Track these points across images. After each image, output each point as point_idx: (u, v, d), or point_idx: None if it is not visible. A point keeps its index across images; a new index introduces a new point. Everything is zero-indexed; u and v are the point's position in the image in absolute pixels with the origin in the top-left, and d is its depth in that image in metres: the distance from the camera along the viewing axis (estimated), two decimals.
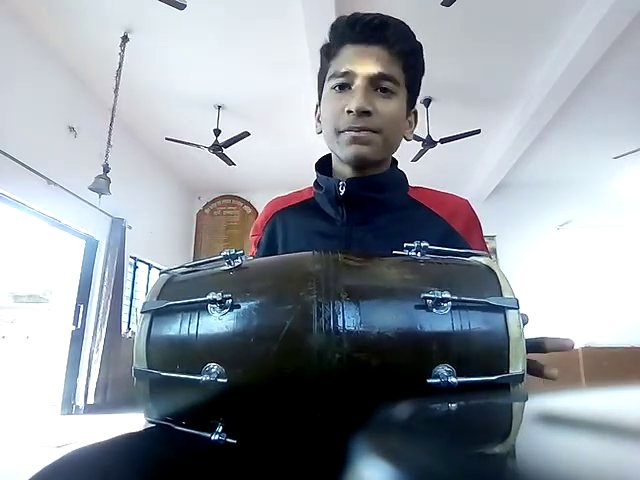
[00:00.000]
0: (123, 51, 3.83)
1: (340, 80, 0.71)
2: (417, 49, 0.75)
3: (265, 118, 4.85)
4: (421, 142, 4.71)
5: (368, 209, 0.73)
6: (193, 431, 0.46)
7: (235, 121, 4.85)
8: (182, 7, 3.09)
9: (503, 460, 0.20)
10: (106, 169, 3.72)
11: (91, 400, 4.45)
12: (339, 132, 0.70)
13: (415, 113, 0.81)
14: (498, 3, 3.39)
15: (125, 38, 3.80)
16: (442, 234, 0.71)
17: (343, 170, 0.75)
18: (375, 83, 0.69)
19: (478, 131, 4.59)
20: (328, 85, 0.73)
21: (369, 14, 0.71)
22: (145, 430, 0.52)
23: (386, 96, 0.70)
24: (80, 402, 4.45)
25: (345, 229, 0.72)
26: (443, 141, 4.67)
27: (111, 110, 4.02)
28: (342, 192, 0.71)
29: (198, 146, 4.79)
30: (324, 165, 0.80)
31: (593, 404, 0.28)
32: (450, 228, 0.73)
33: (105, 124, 4.02)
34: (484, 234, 0.80)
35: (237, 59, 4.10)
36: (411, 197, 0.77)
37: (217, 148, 4.79)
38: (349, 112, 0.68)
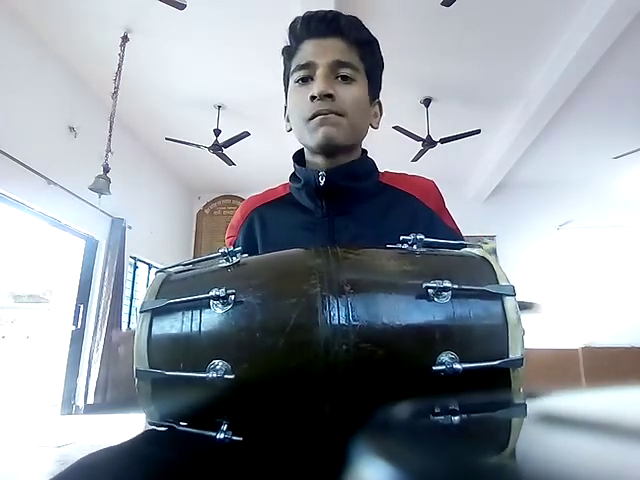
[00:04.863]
0: (123, 51, 3.83)
1: (302, 72, 0.73)
2: (372, 40, 0.78)
3: (265, 118, 4.85)
4: (421, 142, 4.72)
5: (347, 198, 0.74)
6: (198, 431, 0.46)
7: (235, 121, 4.85)
8: (182, 7, 3.10)
9: (503, 460, 0.20)
10: (106, 169, 3.72)
11: (91, 400, 4.45)
12: (307, 120, 0.72)
13: (379, 104, 0.83)
14: (498, 3, 3.39)
15: (125, 38, 3.80)
16: (422, 216, 0.73)
17: (316, 161, 0.76)
18: (335, 71, 0.72)
19: (478, 131, 4.59)
20: (292, 80, 0.76)
21: (322, 10, 0.75)
22: (150, 433, 0.52)
23: (347, 82, 0.72)
24: (80, 402, 4.45)
25: (326, 220, 0.73)
26: (443, 141, 4.67)
27: (111, 110, 4.02)
28: (322, 182, 0.72)
29: (198, 146, 4.79)
30: (300, 159, 0.81)
31: (593, 404, 0.28)
32: (426, 208, 0.75)
33: (105, 124, 4.02)
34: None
35: (237, 59, 4.10)
36: (382, 182, 0.79)
37: (217, 148, 4.79)
38: (313, 98, 0.70)
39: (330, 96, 0.70)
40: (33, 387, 5.48)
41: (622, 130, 5.00)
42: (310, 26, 0.74)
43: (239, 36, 3.79)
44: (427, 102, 4.63)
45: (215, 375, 0.43)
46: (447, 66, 4.12)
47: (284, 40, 0.78)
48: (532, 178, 6.29)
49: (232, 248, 0.51)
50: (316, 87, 0.70)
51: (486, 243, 6.13)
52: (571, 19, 3.49)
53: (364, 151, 0.81)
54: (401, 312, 0.45)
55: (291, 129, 0.80)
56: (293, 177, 0.79)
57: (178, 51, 4.00)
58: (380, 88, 0.82)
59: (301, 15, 0.75)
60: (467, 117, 4.83)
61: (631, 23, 3.27)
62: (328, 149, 0.73)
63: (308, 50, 0.73)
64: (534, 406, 0.31)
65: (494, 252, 6.17)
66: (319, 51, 0.72)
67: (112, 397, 4.55)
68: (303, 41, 0.74)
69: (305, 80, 0.73)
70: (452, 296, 0.46)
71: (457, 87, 4.43)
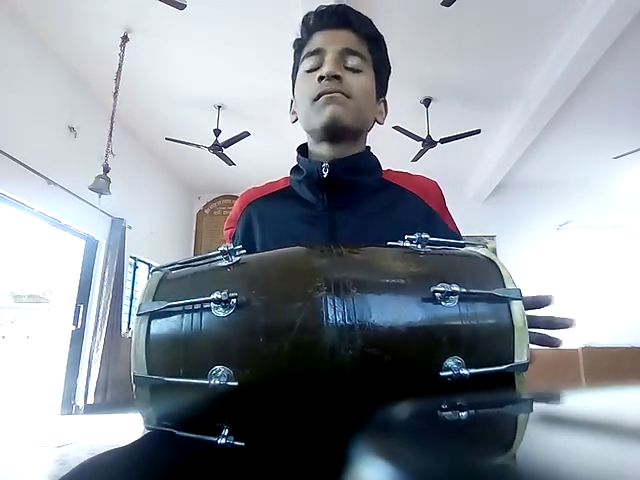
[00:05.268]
0: (123, 51, 3.84)
1: (311, 59, 0.74)
2: (381, 38, 0.79)
3: (265, 118, 4.85)
4: (421, 142, 4.72)
5: (349, 192, 0.73)
6: (198, 436, 0.45)
7: (235, 121, 4.85)
8: (182, 7, 3.10)
9: (503, 461, 0.20)
10: (106, 169, 3.72)
11: (91, 400, 4.45)
12: (313, 100, 0.72)
13: (385, 103, 0.84)
14: (498, 3, 3.40)
15: (125, 38, 3.80)
16: (422, 213, 0.73)
17: (320, 151, 0.75)
18: (344, 57, 0.73)
19: (478, 131, 4.59)
20: (301, 69, 0.77)
21: (334, 4, 0.77)
22: (153, 435, 0.52)
23: (355, 71, 0.73)
24: (80, 402, 4.45)
25: (327, 214, 0.72)
26: (443, 141, 4.67)
27: (111, 110, 4.02)
28: (325, 174, 0.71)
29: (198, 146, 4.79)
30: (304, 152, 0.80)
31: (593, 404, 0.28)
32: (428, 207, 0.74)
33: (105, 124, 4.02)
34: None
35: (237, 59, 4.10)
36: (385, 179, 0.78)
37: (217, 148, 4.79)
38: (320, 79, 0.71)
39: (338, 77, 0.70)
40: (33, 387, 5.49)
41: (622, 130, 5.00)
42: (322, 18, 0.76)
43: (239, 36, 3.79)
44: (427, 102, 4.63)
45: (218, 382, 0.42)
46: (447, 66, 4.12)
47: (295, 33, 0.80)
48: (532, 178, 6.29)
49: (231, 245, 0.50)
50: (325, 68, 0.71)
51: (486, 243, 6.12)
52: (571, 19, 3.49)
53: (368, 147, 0.81)
54: (408, 316, 0.44)
55: (296, 120, 0.80)
56: (295, 169, 0.78)
57: (178, 51, 4.00)
58: (386, 89, 0.83)
59: (313, 10, 0.78)
60: (467, 117, 4.83)
61: (631, 23, 3.27)
62: (334, 131, 0.72)
63: (318, 40, 0.75)
64: (534, 406, 0.31)
65: (494, 252, 6.17)
66: (329, 39, 0.74)
67: (112, 397, 4.55)
68: (315, 32, 0.76)
69: (314, 70, 0.74)
70: (459, 299, 0.45)
71: (457, 87, 4.43)
